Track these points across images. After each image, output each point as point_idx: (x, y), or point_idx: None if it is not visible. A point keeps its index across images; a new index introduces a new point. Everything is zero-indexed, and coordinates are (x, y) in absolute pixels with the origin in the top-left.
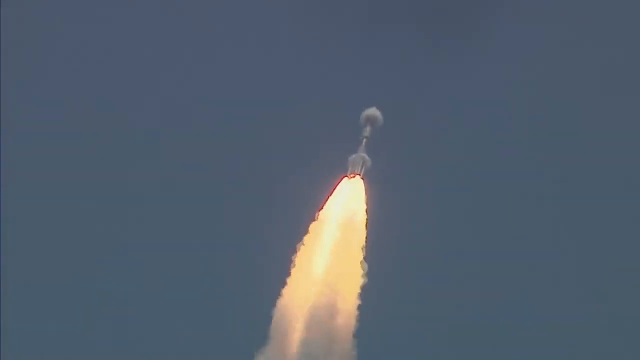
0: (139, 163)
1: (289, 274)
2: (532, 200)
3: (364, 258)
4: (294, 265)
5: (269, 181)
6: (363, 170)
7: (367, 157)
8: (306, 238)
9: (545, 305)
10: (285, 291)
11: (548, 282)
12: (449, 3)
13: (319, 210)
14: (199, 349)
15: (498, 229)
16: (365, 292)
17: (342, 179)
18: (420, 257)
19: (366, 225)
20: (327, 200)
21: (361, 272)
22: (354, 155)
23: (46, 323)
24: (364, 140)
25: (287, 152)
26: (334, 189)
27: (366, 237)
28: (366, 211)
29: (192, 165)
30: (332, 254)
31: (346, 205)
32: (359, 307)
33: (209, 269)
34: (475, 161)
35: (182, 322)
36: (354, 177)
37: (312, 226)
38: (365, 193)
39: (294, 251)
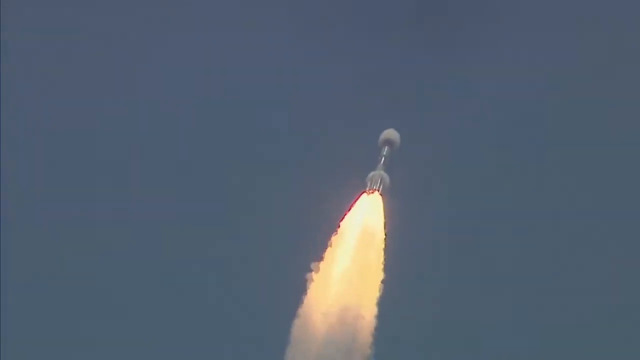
0: (144, 167)
1: (311, 282)
2: (551, 215)
3: (383, 268)
4: (316, 274)
5: (293, 195)
6: (381, 187)
7: (385, 175)
8: (327, 249)
9: (563, 320)
10: (306, 299)
11: (568, 301)
12: (460, 18)
13: (340, 223)
14: (226, 351)
15: (514, 240)
16: (383, 300)
17: (361, 194)
18: (435, 268)
19: (384, 238)
20: (347, 213)
21: (379, 281)
22: (372, 173)
23: (46, 323)
24: (383, 159)
25: (311, 168)
26: (354, 204)
27: (384, 249)
28: (384, 224)
29: (213, 178)
30: (352, 263)
31: (365, 219)
32: (377, 315)
33: (235, 278)
34: (490, 178)
35: (202, 324)
36: (372, 192)
37: (333, 238)
38: (384, 208)
39: (316, 260)
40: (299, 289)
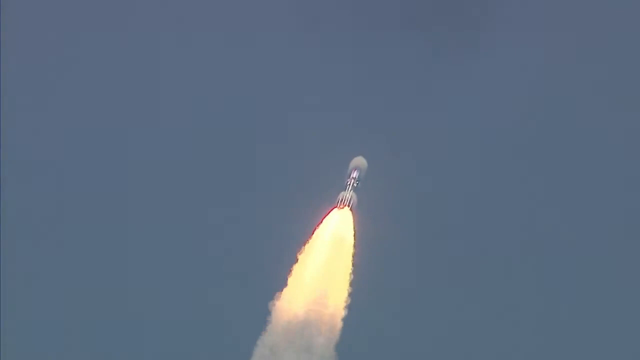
0: (137, 166)
1: (286, 283)
2: (519, 226)
3: (351, 271)
4: (291, 275)
5: (270, 208)
6: (351, 204)
7: (354, 194)
8: (301, 255)
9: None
10: (282, 296)
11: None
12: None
13: (313, 232)
14: (206, 343)
15: (473, 242)
16: (352, 297)
17: (332, 209)
18: (400, 272)
19: (354, 245)
20: (320, 224)
21: (348, 283)
22: (342, 192)
23: (46, 323)
24: (352, 180)
25: (287, 182)
26: (326, 216)
27: (353, 255)
28: (353, 235)
29: (202, 179)
30: (323, 266)
31: (336, 229)
32: (347, 305)
33: (212, 278)
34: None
35: (181, 325)
36: (342, 208)
37: (305, 249)
38: (353, 220)
39: (291, 263)
40: (282, 275)
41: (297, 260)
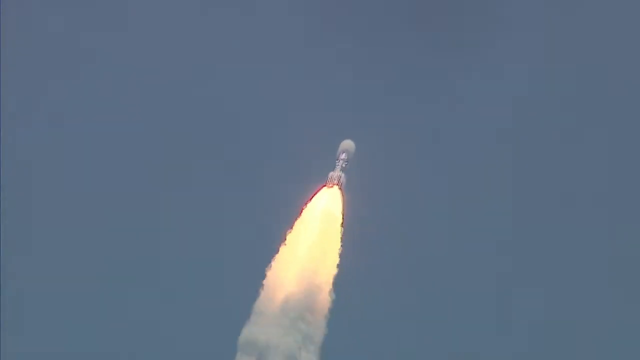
0: (135, 164)
1: (275, 256)
2: (507, 218)
3: (340, 239)
4: (279, 252)
5: (262, 184)
6: (340, 182)
7: (343, 175)
8: (289, 232)
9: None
10: (270, 272)
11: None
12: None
13: (303, 209)
14: (191, 324)
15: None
16: (339, 274)
17: (321, 187)
18: (388, 249)
19: (342, 223)
20: (309, 201)
21: (337, 258)
22: (331, 172)
23: (46, 323)
24: (341, 162)
25: (280, 161)
26: (315, 194)
27: (341, 233)
28: (342, 212)
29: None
30: (314, 235)
31: (326, 206)
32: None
33: (207, 260)
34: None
35: (178, 315)
36: (332, 186)
37: (296, 221)
38: (342, 198)
39: (280, 240)
40: (272, 251)
41: (291, 228)
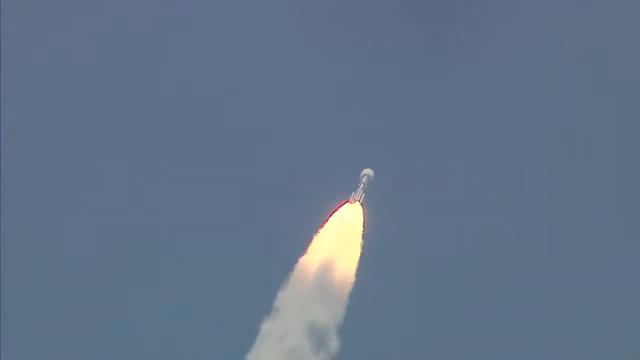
0: (138, 167)
1: (310, 244)
2: (523, 225)
3: (361, 245)
4: (306, 252)
5: (294, 197)
6: (361, 199)
7: (364, 193)
8: (315, 237)
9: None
10: (294, 272)
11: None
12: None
13: (327, 220)
14: (209, 317)
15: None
16: (359, 276)
17: (345, 203)
18: (405, 256)
19: (362, 235)
20: (334, 212)
21: (356, 265)
22: (354, 192)
23: (45, 323)
24: (363, 184)
25: (308, 178)
26: (339, 207)
27: (362, 243)
28: (363, 224)
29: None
30: (334, 249)
31: (348, 218)
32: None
33: (232, 259)
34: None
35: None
36: (354, 202)
37: (321, 229)
38: (363, 213)
39: (307, 243)
40: (301, 249)
41: (316, 234)
